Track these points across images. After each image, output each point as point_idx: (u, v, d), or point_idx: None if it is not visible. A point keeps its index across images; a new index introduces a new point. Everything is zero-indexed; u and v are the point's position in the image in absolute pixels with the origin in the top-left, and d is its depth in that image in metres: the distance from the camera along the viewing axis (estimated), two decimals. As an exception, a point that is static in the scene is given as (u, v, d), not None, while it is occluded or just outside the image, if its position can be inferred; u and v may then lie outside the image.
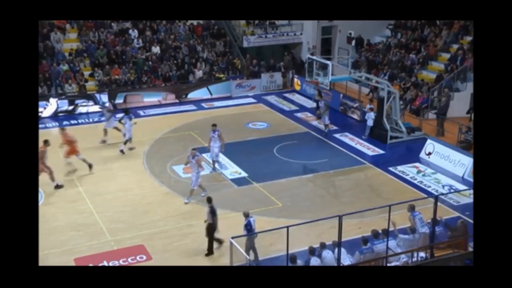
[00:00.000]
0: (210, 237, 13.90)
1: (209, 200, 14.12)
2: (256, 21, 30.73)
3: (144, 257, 13.92)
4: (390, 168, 19.23)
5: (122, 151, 20.37)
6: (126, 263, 13.60)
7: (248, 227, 13.13)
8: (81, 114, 25.02)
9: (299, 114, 25.20)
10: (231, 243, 11.82)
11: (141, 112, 25.40)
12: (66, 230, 15.17)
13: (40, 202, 16.55)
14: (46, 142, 17.17)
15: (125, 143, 20.53)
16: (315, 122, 23.95)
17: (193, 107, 26.32)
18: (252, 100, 27.44)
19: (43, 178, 17.94)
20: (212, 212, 13.83)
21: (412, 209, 13.18)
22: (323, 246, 12.32)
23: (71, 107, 25.09)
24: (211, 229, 13.88)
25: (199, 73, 28.06)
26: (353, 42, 27.68)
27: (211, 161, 19.16)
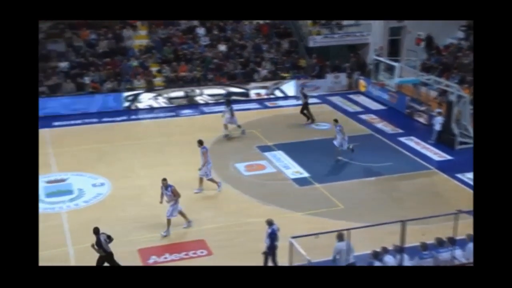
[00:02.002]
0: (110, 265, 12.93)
1: (95, 231, 12.84)
2: (323, 21, 30.48)
3: (205, 252, 14.10)
4: (458, 175, 18.59)
5: (243, 132, 21.93)
6: (187, 257, 13.84)
7: (273, 236, 12.82)
8: (146, 109, 25.67)
9: (363, 116, 24.82)
10: (291, 243, 11.78)
11: (205, 109, 25.78)
12: (130, 221, 15.59)
13: (108, 193, 17.15)
14: None
15: (239, 126, 21.91)
16: (379, 125, 23.51)
17: (257, 105, 26.45)
18: (316, 101, 27.24)
19: (112, 170, 18.55)
20: (98, 244, 12.74)
21: None
22: (385, 250, 12.08)
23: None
24: (105, 260, 12.83)
25: (263, 72, 28.17)
26: (423, 44, 26.96)
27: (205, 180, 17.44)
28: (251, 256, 13.79)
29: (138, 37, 28.87)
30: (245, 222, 15.51)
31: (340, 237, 12.20)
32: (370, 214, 15.84)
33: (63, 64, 26.00)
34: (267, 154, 20.23)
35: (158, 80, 27.05)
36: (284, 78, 28.25)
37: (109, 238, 12.91)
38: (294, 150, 20.54)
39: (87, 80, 25.67)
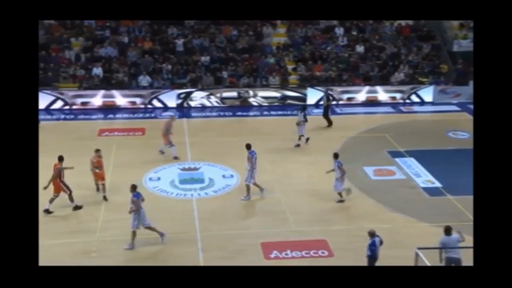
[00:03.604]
0: None
1: None
2: (472, 24, 28.75)
3: (326, 253, 13.99)
4: None
5: (301, 144, 20.75)
6: (308, 256, 13.83)
7: (373, 248, 12.34)
8: (278, 106, 26.06)
9: (507, 128, 23.08)
10: (416, 254, 11.33)
11: (337, 110, 25.60)
12: (255, 214, 15.94)
13: (236, 185, 17.69)
14: (61, 159, 15.74)
15: (302, 136, 20.81)
16: None
17: (390, 109, 25.73)
18: (456, 108, 25.87)
19: (241, 163, 19.08)
20: None
21: None
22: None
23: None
24: None
25: (400, 75, 27.27)
26: None
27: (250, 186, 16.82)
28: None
29: (277, 35, 29.40)
30: (369, 227, 15.11)
31: (447, 231, 12.11)
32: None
33: (205, 58, 27.27)
34: (397, 159, 19.58)
35: (292, 78, 27.35)
36: (422, 83, 27.13)
37: None
38: (427, 158, 19.64)
39: (225, 74, 26.68)
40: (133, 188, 14.04)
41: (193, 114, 25.13)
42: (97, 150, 16.62)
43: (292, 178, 18.24)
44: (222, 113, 25.25)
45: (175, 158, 19.26)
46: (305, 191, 17.29)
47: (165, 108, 25.63)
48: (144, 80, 26.02)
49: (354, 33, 29.38)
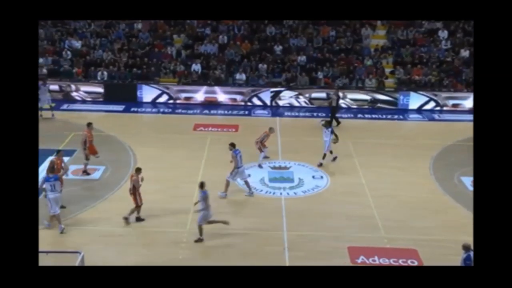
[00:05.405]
0: None
1: None
2: None
3: (416, 262, 13.52)
4: None
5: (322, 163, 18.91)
6: (395, 264, 13.44)
7: (467, 262, 11.62)
8: (380, 109, 25.57)
9: None
10: None
11: (435, 116, 24.69)
12: (343, 217, 15.67)
13: (325, 187, 17.51)
14: (57, 152, 15.86)
15: (331, 152, 19.10)
16: None
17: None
18: None
19: (331, 164, 18.84)
20: None
21: None
22: None
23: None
24: None
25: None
26: None
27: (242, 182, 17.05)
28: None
29: (376, 36, 28.79)
30: (464, 240, 14.39)
31: None
32: None
33: (301, 58, 27.24)
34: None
35: (389, 82, 26.64)
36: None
37: None
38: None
39: (320, 75, 26.50)
40: (51, 170, 14.62)
41: (285, 113, 25.20)
42: (138, 169, 15.04)
43: (383, 183, 17.77)
44: (315, 114, 25.09)
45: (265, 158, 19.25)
46: (396, 197, 16.81)
47: (264, 106, 25.87)
48: (240, 77, 26.44)
49: (459, 36, 28.12)
